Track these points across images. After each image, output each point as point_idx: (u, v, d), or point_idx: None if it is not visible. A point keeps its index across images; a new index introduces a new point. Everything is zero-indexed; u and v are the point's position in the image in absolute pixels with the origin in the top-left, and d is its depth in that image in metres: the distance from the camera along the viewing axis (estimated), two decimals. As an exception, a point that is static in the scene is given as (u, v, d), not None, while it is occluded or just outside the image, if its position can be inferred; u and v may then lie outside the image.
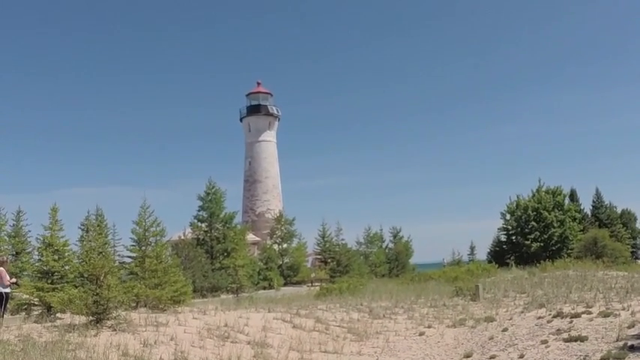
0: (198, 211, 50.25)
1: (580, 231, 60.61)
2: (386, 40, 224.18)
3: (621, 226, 72.44)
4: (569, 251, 56.14)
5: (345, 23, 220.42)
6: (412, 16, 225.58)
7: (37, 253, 25.96)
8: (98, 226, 41.77)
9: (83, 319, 16.32)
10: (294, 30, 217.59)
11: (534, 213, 60.53)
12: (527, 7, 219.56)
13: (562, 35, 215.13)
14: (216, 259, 46.85)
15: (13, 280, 18.61)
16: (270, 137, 76.08)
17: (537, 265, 41.07)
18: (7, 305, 18.55)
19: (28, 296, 21.27)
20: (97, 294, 16.07)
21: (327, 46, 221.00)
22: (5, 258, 20.40)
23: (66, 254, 23.06)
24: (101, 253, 29.82)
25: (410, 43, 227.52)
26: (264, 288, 48.64)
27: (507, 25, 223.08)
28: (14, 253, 36.05)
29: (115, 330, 15.50)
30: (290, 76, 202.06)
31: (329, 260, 59.84)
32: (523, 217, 61.18)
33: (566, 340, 13.53)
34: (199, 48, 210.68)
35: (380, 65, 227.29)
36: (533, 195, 62.79)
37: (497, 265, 49.82)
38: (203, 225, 49.94)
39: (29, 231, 38.06)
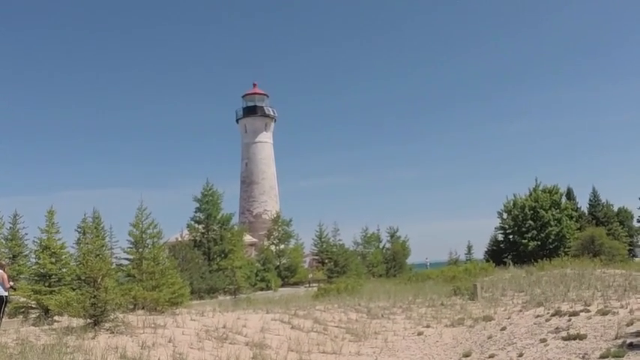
0: (195, 212, 50.28)
1: (577, 229, 60.69)
2: (382, 38, 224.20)
3: (618, 224, 72.50)
4: (567, 250, 56.17)
5: (342, 21, 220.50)
6: (410, 12, 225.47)
7: (34, 256, 25.97)
8: (95, 228, 41.78)
9: (81, 321, 16.28)
10: (289, 29, 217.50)
11: (531, 212, 60.55)
12: (525, 3, 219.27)
13: (558, 32, 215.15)
14: (213, 261, 46.87)
15: (11, 283, 18.61)
16: (266, 138, 76.13)
17: (535, 263, 41.10)
18: (5, 309, 18.55)
19: (25, 299, 21.27)
20: (95, 296, 16.03)
21: (323, 45, 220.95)
22: (4, 262, 20.44)
23: (63, 257, 23.09)
24: (98, 255, 29.85)
25: (406, 41, 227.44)
26: (262, 289, 48.70)
27: (503, 22, 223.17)
28: (11, 256, 36.00)
29: (113, 332, 15.46)
30: (286, 75, 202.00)
31: (326, 261, 59.88)
32: (520, 215, 61.20)
33: (565, 339, 13.52)
34: (195, 48, 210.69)
35: (376, 64, 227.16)
36: (530, 194, 62.84)
37: (494, 265, 49.88)
38: (200, 226, 49.97)
39: (26, 234, 38.07)
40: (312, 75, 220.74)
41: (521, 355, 13.30)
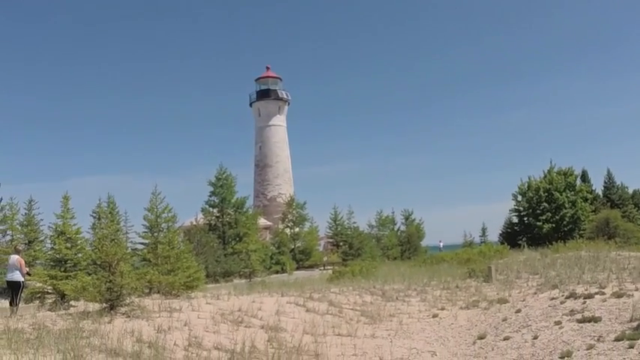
0: (210, 196, 50.30)
1: (592, 212, 60.34)
2: (397, 24, 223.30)
3: (633, 206, 71.94)
4: (581, 232, 55.92)
5: (357, 6, 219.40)
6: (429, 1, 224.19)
7: (49, 241, 26.09)
8: (110, 213, 41.93)
9: (97, 306, 16.37)
10: (304, 13, 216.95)
11: (546, 194, 60.24)
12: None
13: (574, 18, 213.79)
14: (228, 244, 46.95)
15: (26, 269, 18.73)
16: (280, 121, 75.98)
17: (549, 246, 40.96)
18: (22, 294, 18.68)
19: (41, 284, 21.39)
20: (110, 281, 16.11)
21: (338, 30, 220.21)
22: (21, 247, 20.55)
23: (78, 242, 23.18)
24: (113, 240, 29.93)
25: (422, 27, 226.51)
26: (277, 272, 48.78)
27: (520, 9, 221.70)
28: (27, 241, 36.17)
29: (129, 316, 15.55)
30: (300, 60, 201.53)
31: (341, 244, 59.95)
32: (535, 198, 60.89)
33: (579, 321, 13.52)
34: (208, 33, 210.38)
35: (391, 50, 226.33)
36: (545, 176, 62.50)
37: (509, 247, 49.70)
38: (215, 210, 50.02)
39: (41, 220, 38.17)
40: (325, 60, 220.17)
41: (536, 337, 13.31)
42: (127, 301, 16.39)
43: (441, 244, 73.87)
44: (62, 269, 21.90)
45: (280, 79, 77.75)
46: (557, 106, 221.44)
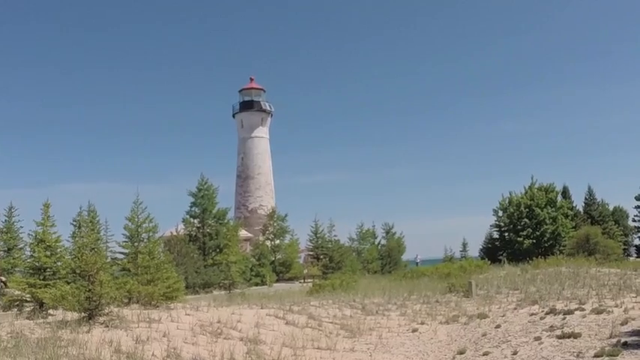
0: (191, 207, 50.11)
1: (572, 228, 60.77)
2: (380, 36, 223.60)
3: (613, 223, 72.54)
4: (562, 248, 56.32)
5: (339, 17, 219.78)
6: (407, 10, 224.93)
7: (29, 249, 25.91)
8: (90, 222, 41.78)
9: (75, 315, 16.25)
10: (287, 24, 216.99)
11: (527, 210, 60.64)
12: (522, 4, 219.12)
13: (555, 32, 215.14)
14: (208, 256, 46.78)
15: (2, 278, 18.56)
16: (262, 133, 76.07)
17: (530, 261, 41.15)
18: (-1, 301, 18.53)
19: (20, 292, 21.22)
20: (90, 290, 16.00)
21: (320, 41, 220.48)
22: (-1, 255, 20.41)
23: (58, 250, 22.97)
24: (93, 249, 29.75)
25: (404, 39, 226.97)
26: (257, 284, 48.64)
27: (500, 23, 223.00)
28: (6, 249, 35.98)
29: (108, 326, 15.43)
30: (283, 71, 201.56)
31: (321, 256, 59.87)
32: (515, 213, 61.28)
33: (559, 337, 13.54)
34: (192, 43, 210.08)
35: (373, 60, 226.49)
36: (526, 192, 62.92)
37: (489, 262, 49.90)
38: (195, 221, 49.84)
39: (21, 227, 38.09)
40: (309, 71, 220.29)
41: (515, 352, 13.31)
42: (106, 311, 16.29)
43: (419, 259, 73.56)
44: (41, 277, 21.68)
45: (264, 91, 77.89)
46: (543, 118, 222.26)
